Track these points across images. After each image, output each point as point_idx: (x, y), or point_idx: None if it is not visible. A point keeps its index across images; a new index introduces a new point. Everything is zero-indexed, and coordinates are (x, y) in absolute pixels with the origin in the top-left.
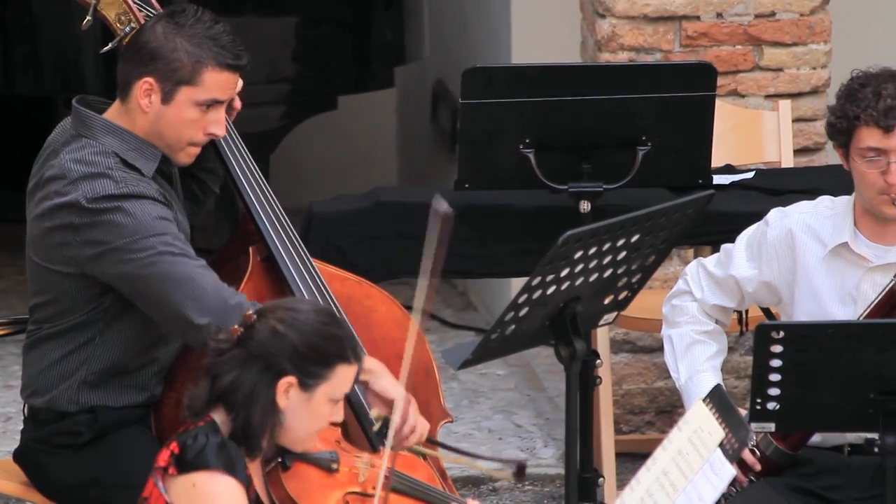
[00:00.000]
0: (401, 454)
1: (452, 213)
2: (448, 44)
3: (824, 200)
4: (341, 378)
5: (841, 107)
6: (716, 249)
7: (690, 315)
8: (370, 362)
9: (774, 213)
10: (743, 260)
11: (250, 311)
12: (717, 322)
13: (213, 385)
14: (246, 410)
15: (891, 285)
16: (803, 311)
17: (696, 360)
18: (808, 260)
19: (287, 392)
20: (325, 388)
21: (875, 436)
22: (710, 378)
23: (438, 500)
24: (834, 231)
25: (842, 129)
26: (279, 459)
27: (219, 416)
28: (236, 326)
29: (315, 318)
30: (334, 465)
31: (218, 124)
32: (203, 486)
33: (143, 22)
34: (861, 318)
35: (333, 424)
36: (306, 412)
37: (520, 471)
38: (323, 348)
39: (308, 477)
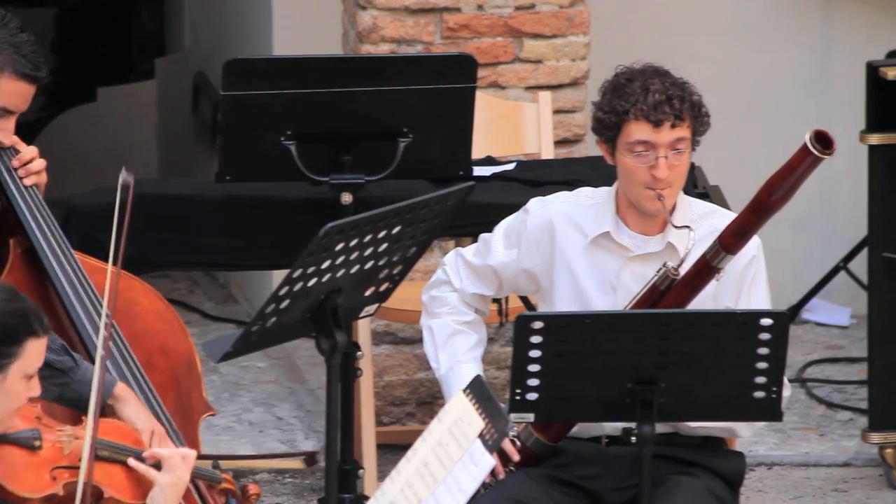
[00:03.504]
0: (102, 420)
1: (131, 182)
2: (209, 35)
3: (585, 191)
4: (32, 353)
5: (609, 102)
6: (476, 241)
7: (450, 305)
8: (119, 388)
9: (534, 203)
10: (502, 248)
11: None
12: (476, 311)
13: None
14: None
15: (654, 280)
16: (563, 299)
17: (457, 351)
18: (569, 249)
19: None
20: (17, 365)
21: (632, 425)
22: (471, 369)
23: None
24: (595, 221)
25: (610, 124)
26: None
27: None
28: None
29: None
30: (37, 443)
31: (4, 132)
32: None
33: None
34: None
35: (31, 401)
36: (2, 393)
37: (310, 459)
38: (10, 326)
39: (11, 458)
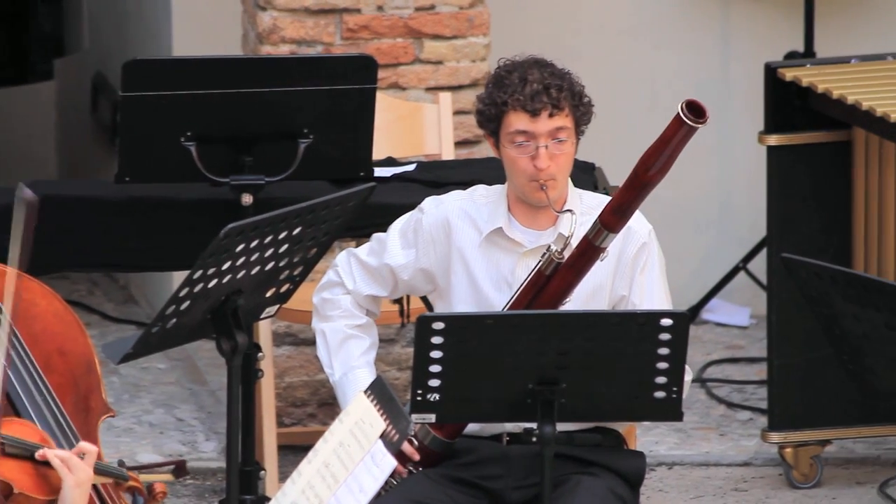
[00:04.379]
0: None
1: (37, 200)
2: (108, 36)
3: (479, 189)
4: None
5: (489, 94)
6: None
7: (343, 309)
8: None
9: (429, 202)
10: (398, 248)
11: None
12: (368, 313)
13: None
14: None
15: (539, 265)
16: (460, 297)
17: (351, 356)
18: (465, 246)
19: None
20: None
21: (533, 425)
22: (365, 373)
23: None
24: (489, 217)
25: (491, 116)
26: None
27: None
28: None
29: None
30: None
31: None
32: None
33: None
34: (511, 299)
35: None
36: None
37: (179, 469)
38: None
39: None
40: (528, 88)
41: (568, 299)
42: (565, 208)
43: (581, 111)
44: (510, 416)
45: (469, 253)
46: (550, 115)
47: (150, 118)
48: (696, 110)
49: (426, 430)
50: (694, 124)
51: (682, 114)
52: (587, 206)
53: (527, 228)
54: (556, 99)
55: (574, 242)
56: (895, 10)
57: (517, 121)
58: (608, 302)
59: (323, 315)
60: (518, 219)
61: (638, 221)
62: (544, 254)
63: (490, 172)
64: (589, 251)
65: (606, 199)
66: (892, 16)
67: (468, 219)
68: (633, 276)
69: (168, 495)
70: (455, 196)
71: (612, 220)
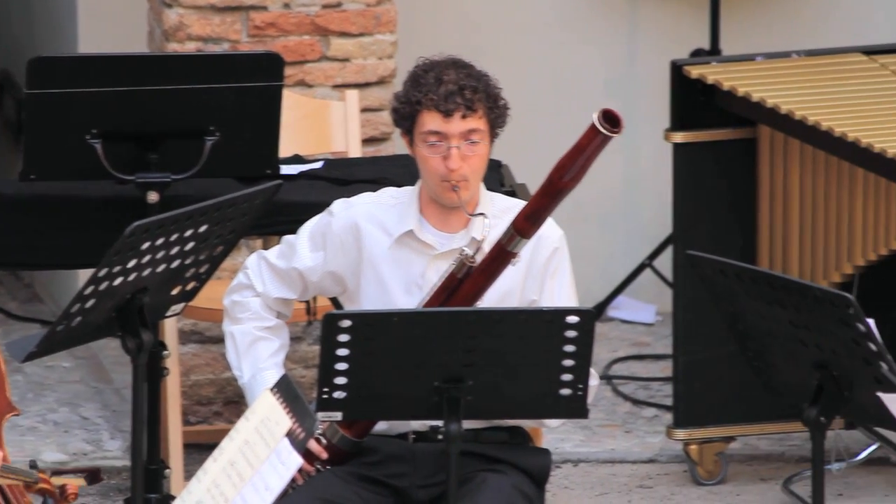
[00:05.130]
0: None
1: None
2: (13, 33)
3: (388, 191)
4: None
5: (405, 93)
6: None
7: (252, 311)
8: None
9: (339, 204)
10: (307, 251)
11: None
12: (279, 315)
13: None
14: None
15: (451, 269)
16: (369, 300)
17: (259, 358)
18: (374, 249)
19: None
20: None
21: (439, 423)
22: (274, 375)
23: None
24: (399, 220)
25: (405, 115)
26: None
27: None
28: None
29: None
30: None
31: None
32: None
33: None
34: (423, 302)
35: None
36: None
37: (93, 476)
38: None
39: None
40: (443, 89)
41: (479, 303)
42: (477, 211)
43: (496, 114)
44: (417, 414)
45: (378, 256)
46: (464, 117)
47: (55, 115)
48: (611, 119)
49: (334, 429)
50: (609, 133)
51: (597, 123)
52: (499, 209)
53: (438, 231)
54: (470, 100)
55: (486, 246)
56: (799, 9)
57: (430, 121)
58: (519, 306)
59: (232, 317)
60: (430, 221)
61: (549, 227)
62: (457, 257)
63: (397, 170)
64: (501, 256)
65: (518, 202)
66: (796, 14)
67: (377, 222)
68: (544, 281)
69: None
70: (364, 199)
71: (525, 226)
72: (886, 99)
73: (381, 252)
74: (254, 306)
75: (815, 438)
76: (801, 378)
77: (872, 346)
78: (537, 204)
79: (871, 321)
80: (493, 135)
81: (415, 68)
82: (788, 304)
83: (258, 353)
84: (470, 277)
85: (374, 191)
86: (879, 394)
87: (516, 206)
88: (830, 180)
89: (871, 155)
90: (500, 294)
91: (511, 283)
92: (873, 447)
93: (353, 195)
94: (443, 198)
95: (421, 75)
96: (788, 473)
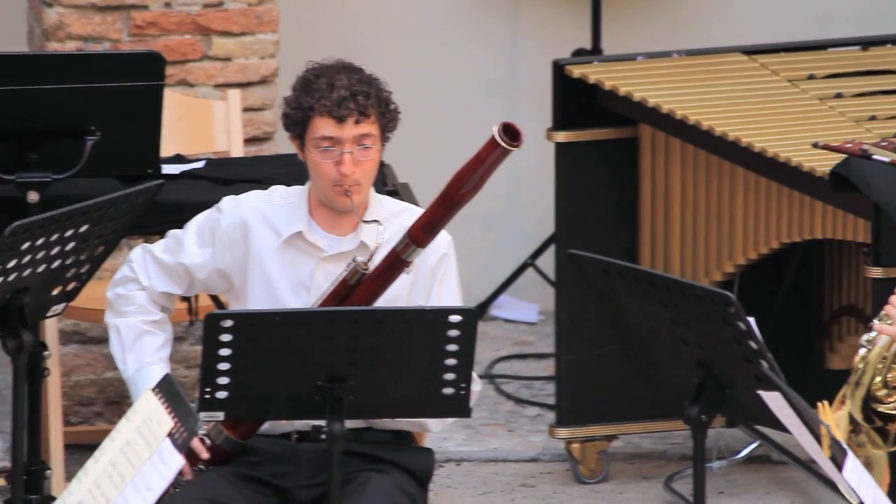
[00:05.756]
0: None
1: None
2: None
3: (278, 190)
4: None
5: (296, 98)
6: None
7: (137, 304)
8: None
9: (228, 201)
10: (194, 247)
11: None
12: (163, 309)
13: None
14: None
15: (343, 275)
16: (256, 299)
17: (145, 352)
18: (262, 249)
19: None
20: None
21: (322, 423)
22: (159, 370)
23: None
24: (288, 221)
25: (297, 120)
26: None
27: None
28: None
29: None
30: None
31: None
32: None
33: None
34: (314, 306)
35: None
36: None
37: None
38: None
39: None
40: (336, 94)
41: None
42: (370, 217)
43: (387, 118)
44: (299, 413)
45: (267, 256)
46: (357, 122)
47: None
48: (511, 133)
49: (219, 430)
50: (508, 147)
51: (497, 136)
52: (388, 213)
53: (327, 233)
54: (363, 106)
55: (378, 251)
56: (680, 9)
57: (323, 126)
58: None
59: (117, 310)
60: (319, 223)
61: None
62: (349, 264)
63: (279, 169)
64: (395, 264)
65: (407, 205)
66: (677, 14)
67: (266, 221)
68: (432, 286)
69: None
70: (254, 197)
71: (421, 236)
72: (766, 98)
73: (269, 251)
74: (139, 300)
75: (696, 437)
76: (683, 376)
77: (753, 345)
78: (434, 214)
79: (751, 319)
80: (385, 139)
81: (305, 73)
82: (670, 302)
83: (144, 348)
84: (362, 284)
85: (262, 190)
86: (760, 392)
87: (406, 209)
88: (711, 179)
89: (750, 154)
90: (388, 299)
91: (398, 289)
92: (754, 445)
93: (237, 194)
94: (335, 202)
95: (312, 80)
96: (670, 472)
